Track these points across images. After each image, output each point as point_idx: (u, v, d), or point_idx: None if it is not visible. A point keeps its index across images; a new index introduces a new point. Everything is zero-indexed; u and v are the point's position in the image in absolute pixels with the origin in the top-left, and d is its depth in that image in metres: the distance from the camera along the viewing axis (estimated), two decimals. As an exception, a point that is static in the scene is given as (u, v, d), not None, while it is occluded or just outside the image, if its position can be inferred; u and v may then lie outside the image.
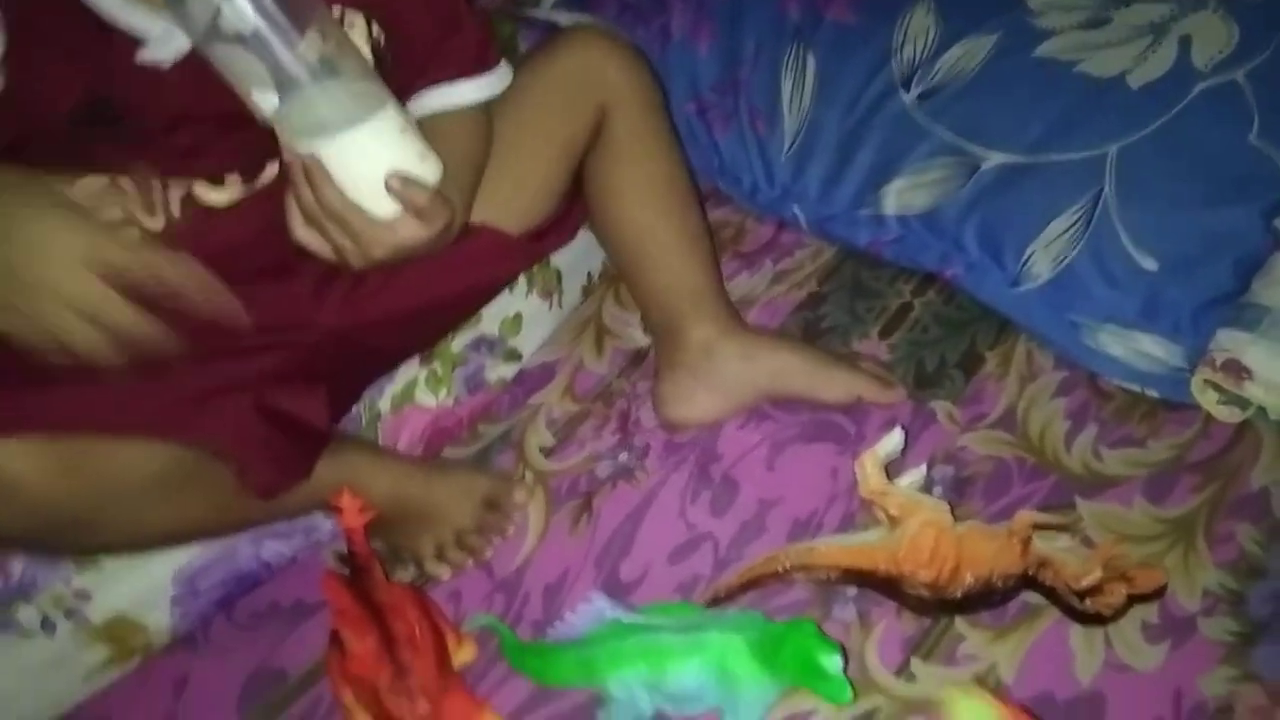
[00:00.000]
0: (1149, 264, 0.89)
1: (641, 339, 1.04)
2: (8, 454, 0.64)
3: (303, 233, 0.67)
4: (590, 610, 0.73)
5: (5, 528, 0.67)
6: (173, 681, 0.84)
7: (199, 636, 0.86)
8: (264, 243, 0.72)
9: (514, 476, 0.93)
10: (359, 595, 0.72)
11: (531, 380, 1.01)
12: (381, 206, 0.65)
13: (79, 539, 0.73)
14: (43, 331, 0.61)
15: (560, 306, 1.03)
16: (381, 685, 0.69)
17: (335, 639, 0.73)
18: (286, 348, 0.78)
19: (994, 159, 0.96)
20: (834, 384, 0.89)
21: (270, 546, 0.86)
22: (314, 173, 0.63)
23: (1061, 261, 0.92)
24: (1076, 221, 0.92)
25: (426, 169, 0.66)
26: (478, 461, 0.95)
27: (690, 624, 0.69)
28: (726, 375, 0.90)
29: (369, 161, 0.64)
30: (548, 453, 0.95)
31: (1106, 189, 0.91)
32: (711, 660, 0.67)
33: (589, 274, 1.06)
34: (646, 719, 0.71)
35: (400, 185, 0.64)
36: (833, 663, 0.62)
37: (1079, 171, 0.92)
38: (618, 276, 1.10)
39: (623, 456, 0.93)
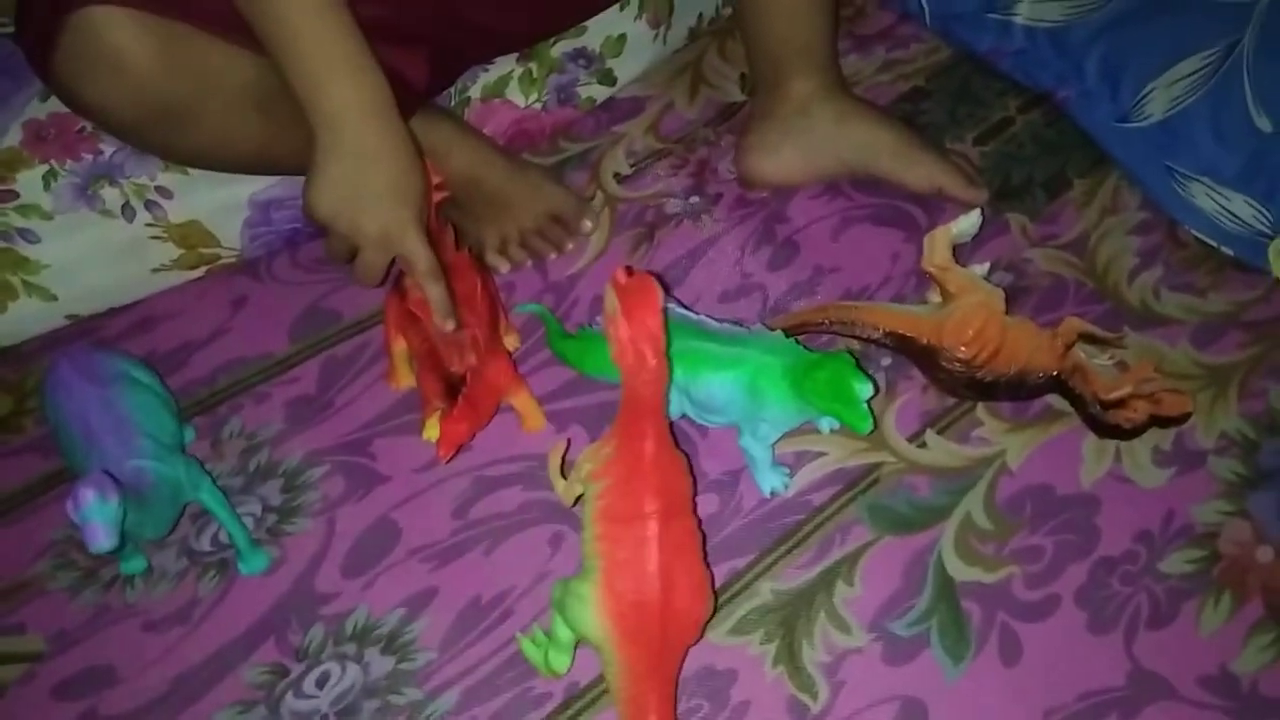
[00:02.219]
0: (1264, 125, 0.86)
1: (736, 94, 1.03)
2: (114, 22, 0.67)
3: None
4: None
5: (105, 100, 0.70)
6: (232, 297, 0.88)
7: (262, 265, 0.90)
8: None
9: (586, 198, 0.94)
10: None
11: (620, 109, 1.01)
12: None
13: (170, 136, 0.75)
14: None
15: (665, 42, 1.02)
16: (435, 333, 0.73)
17: (397, 286, 0.76)
18: (397, 2, 0.78)
19: (1141, -16, 0.92)
20: (919, 170, 0.89)
21: (344, 196, 0.88)
22: None
23: (1177, 105, 0.90)
24: (1205, 67, 0.89)
25: None
26: (553, 173, 0.96)
27: (736, 338, 0.71)
28: (816, 136, 0.90)
29: None
30: (621, 180, 0.96)
31: (1246, 39, 0.87)
32: (745, 376, 0.70)
33: (700, 15, 1.04)
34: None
35: None
36: (864, 390, 0.65)
37: (1224, 15, 0.89)
38: (725, 30, 1.08)
39: (693, 199, 0.94)
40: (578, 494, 0.65)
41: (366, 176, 0.70)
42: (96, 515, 0.53)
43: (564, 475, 0.67)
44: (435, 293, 0.72)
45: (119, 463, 0.61)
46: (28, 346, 0.85)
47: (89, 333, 0.85)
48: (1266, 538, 0.71)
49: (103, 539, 0.54)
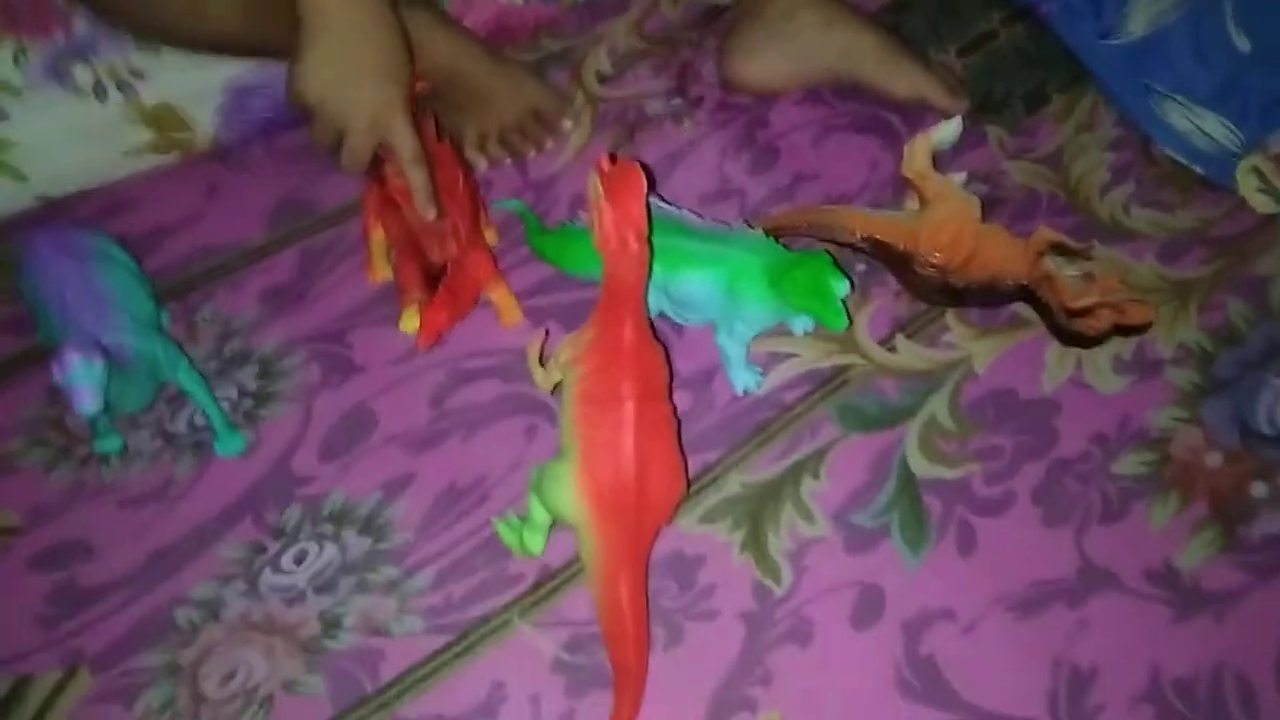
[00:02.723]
0: (1243, 44, 0.88)
1: (719, -1, 1.02)
2: None
3: None
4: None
5: None
6: (206, 184, 0.87)
7: (237, 153, 0.89)
8: None
9: (568, 97, 0.93)
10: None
11: (604, 8, 1.00)
12: None
13: (141, 10, 0.73)
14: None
15: (649, -60, 1.00)
16: (415, 221, 0.73)
17: (376, 172, 0.76)
18: None
19: (1130, -102, 0.91)
20: (902, 78, 0.89)
21: (321, 85, 0.87)
22: None
23: (1158, 21, 0.90)
24: (1188, -15, 0.89)
25: None
26: (535, 70, 0.95)
27: (716, 236, 0.72)
28: (800, 41, 0.89)
29: None
30: (602, 79, 0.96)
31: (1232, -43, 0.88)
32: (723, 275, 0.71)
33: (686, -86, 1.02)
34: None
35: None
36: (841, 287, 0.66)
37: (1210, -67, 0.89)
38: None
39: (675, 101, 0.94)
40: (556, 380, 0.66)
41: (355, 56, 0.69)
42: (82, 378, 0.54)
43: (542, 365, 0.68)
44: (418, 179, 0.71)
45: (97, 336, 0.61)
46: (-7, 227, 0.84)
47: (58, 214, 0.84)
48: (1216, 444, 0.74)
49: (88, 401, 0.54)
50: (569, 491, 0.61)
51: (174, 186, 0.87)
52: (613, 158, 0.58)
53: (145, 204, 0.85)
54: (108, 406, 0.58)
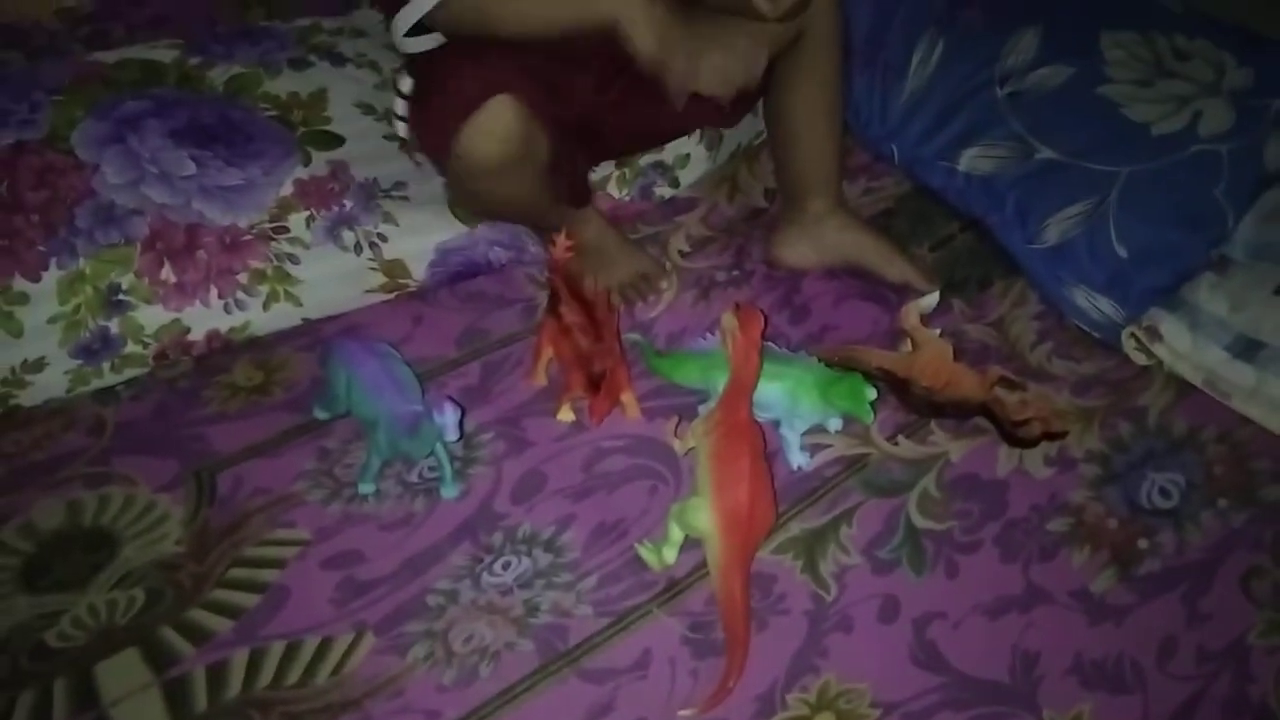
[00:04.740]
0: (1122, 252, 1.29)
1: (760, 201, 1.43)
2: (510, 106, 1.04)
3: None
4: (717, 339, 1.12)
5: (477, 154, 1.06)
6: (413, 315, 1.22)
7: (431, 295, 1.25)
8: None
9: (665, 265, 1.31)
10: (574, 292, 1.11)
11: (681, 205, 1.40)
12: None
13: (489, 184, 1.12)
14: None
15: (715, 161, 1.42)
16: (583, 343, 1.08)
17: (554, 311, 1.11)
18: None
19: (1045, 153, 1.35)
20: (894, 267, 1.29)
21: (497, 251, 1.24)
22: None
23: (1066, 235, 1.32)
24: (1084, 211, 1.31)
25: None
26: (640, 246, 1.33)
27: (783, 360, 1.09)
28: (825, 238, 1.30)
29: None
30: (683, 254, 1.34)
31: (1113, 196, 1.30)
32: (788, 385, 1.07)
33: (739, 144, 1.45)
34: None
35: None
36: (871, 394, 1.03)
37: (1098, 179, 1.32)
38: (753, 154, 1.48)
39: (734, 272, 1.33)
40: (690, 447, 1.00)
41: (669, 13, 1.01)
42: (451, 417, 0.87)
43: (676, 436, 1.02)
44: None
45: (403, 406, 0.95)
46: (270, 338, 1.17)
47: (312, 331, 1.18)
48: (1114, 513, 1.10)
49: (453, 433, 0.89)
50: (704, 514, 0.94)
51: (390, 315, 1.22)
52: (738, 305, 0.95)
53: (370, 327, 1.20)
54: (405, 456, 0.92)
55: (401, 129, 1.18)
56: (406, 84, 1.14)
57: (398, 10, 1.05)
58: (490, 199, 1.16)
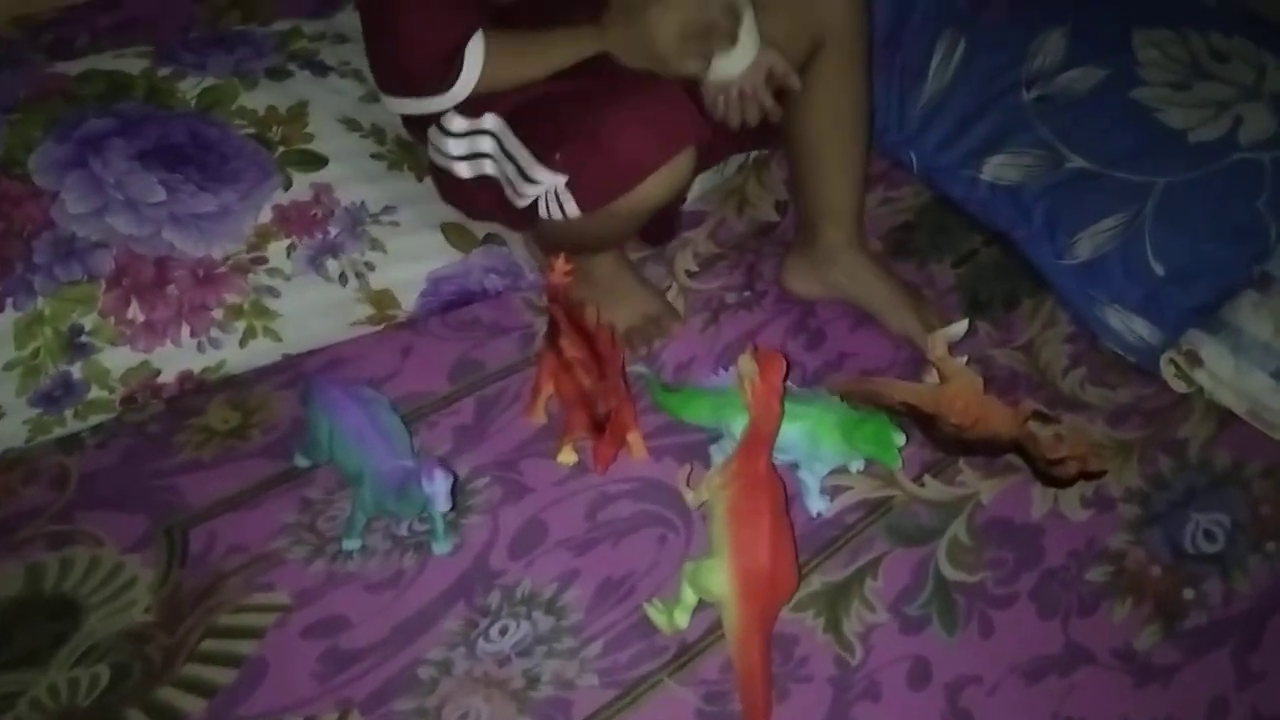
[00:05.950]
0: (1159, 270, 1.21)
1: (771, 215, 1.34)
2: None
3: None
4: (732, 374, 1.04)
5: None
6: (401, 347, 1.14)
7: (421, 325, 1.16)
8: None
9: (680, 314, 1.21)
10: (575, 324, 1.02)
11: (687, 219, 1.31)
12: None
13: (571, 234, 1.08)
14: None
15: (722, 173, 1.33)
16: (586, 381, 1.00)
17: (554, 344, 1.03)
18: None
19: (1076, 162, 1.26)
20: (896, 322, 1.19)
21: (492, 278, 1.16)
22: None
23: (1098, 250, 1.24)
24: (1119, 225, 1.23)
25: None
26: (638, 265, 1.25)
27: (802, 398, 1.00)
28: (833, 277, 1.20)
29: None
30: (690, 275, 1.26)
31: (1148, 208, 1.22)
32: (807, 426, 0.99)
33: (748, 155, 1.36)
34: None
35: None
36: (900, 439, 0.95)
37: (1134, 190, 1.23)
38: (762, 165, 1.40)
39: (745, 293, 1.24)
40: (703, 499, 0.92)
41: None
42: (442, 485, 0.79)
43: (689, 487, 0.94)
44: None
45: (390, 462, 0.86)
46: (247, 376, 1.09)
47: (292, 367, 1.10)
48: (1156, 559, 1.02)
49: (443, 503, 0.80)
50: (720, 577, 0.86)
51: (377, 346, 1.13)
52: (755, 347, 0.86)
53: (357, 361, 1.12)
54: (389, 514, 0.83)
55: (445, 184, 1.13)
56: (452, 143, 1.09)
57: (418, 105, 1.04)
58: (601, 237, 1.11)
